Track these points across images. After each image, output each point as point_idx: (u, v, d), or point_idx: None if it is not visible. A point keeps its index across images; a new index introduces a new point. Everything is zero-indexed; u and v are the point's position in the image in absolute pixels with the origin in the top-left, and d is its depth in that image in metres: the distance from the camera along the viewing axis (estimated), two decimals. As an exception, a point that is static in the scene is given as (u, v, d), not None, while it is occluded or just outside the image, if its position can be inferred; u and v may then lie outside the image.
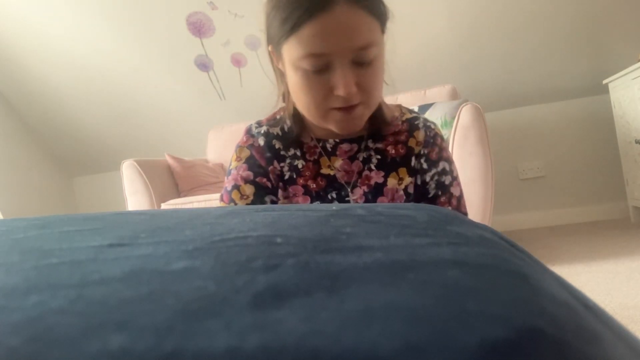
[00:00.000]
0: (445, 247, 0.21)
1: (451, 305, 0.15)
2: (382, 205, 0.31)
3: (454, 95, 2.18)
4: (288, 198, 0.76)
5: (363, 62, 0.60)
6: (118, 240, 0.23)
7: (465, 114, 1.56)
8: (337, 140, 0.76)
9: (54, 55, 2.63)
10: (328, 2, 0.56)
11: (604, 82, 2.20)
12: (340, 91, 0.60)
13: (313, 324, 0.14)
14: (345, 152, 0.75)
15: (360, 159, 0.75)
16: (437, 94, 2.19)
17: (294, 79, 0.64)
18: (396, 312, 0.14)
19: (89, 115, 2.91)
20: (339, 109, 0.64)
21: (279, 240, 0.21)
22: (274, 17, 0.61)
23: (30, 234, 0.26)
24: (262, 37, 0.69)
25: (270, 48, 0.67)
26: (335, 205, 0.31)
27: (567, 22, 2.20)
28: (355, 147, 0.75)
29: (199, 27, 2.42)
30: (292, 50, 0.60)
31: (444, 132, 1.82)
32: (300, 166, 0.76)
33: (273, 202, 0.76)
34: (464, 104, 1.61)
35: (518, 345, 0.13)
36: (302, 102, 0.66)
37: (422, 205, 0.32)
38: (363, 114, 0.66)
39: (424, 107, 2.01)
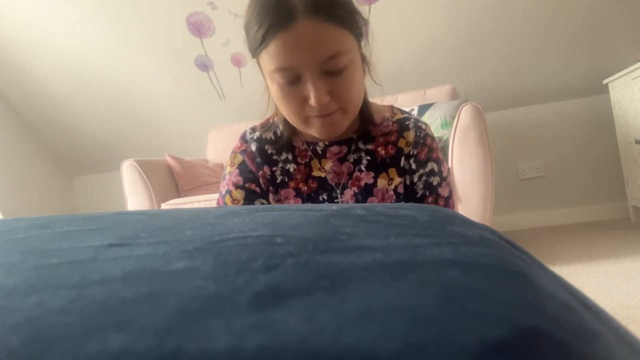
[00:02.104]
0: (445, 247, 0.21)
1: (451, 305, 0.15)
2: (382, 205, 0.31)
3: (454, 95, 2.18)
4: (280, 201, 0.78)
5: (334, 71, 0.61)
6: (118, 240, 0.23)
7: (465, 114, 1.56)
8: (327, 142, 0.77)
9: (54, 56, 2.63)
10: (289, 18, 0.57)
11: (604, 82, 2.20)
12: (312, 102, 0.62)
13: (313, 324, 0.14)
14: (335, 154, 0.76)
15: (351, 160, 0.76)
16: (437, 94, 2.18)
17: (272, 90, 0.66)
18: (396, 312, 0.14)
19: (89, 115, 2.90)
20: (317, 116, 0.65)
21: (279, 240, 0.21)
22: (249, 30, 0.62)
23: (30, 234, 0.26)
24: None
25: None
26: (335, 206, 0.31)
27: (567, 22, 2.20)
28: (345, 148, 0.76)
29: (199, 27, 2.42)
30: (265, 64, 0.63)
31: (444, 132, 1.82)
32: (292, 170, 0.77)
33: (264, 204, 0.77)
34: (464, 104, 1.61)
35: (518, 345, 0.13)
36: (283, 110, 0.68)
37: (423, 205, 0.32)
38: (342, 120, 0.67)
39: (424, 107, 2.01)
